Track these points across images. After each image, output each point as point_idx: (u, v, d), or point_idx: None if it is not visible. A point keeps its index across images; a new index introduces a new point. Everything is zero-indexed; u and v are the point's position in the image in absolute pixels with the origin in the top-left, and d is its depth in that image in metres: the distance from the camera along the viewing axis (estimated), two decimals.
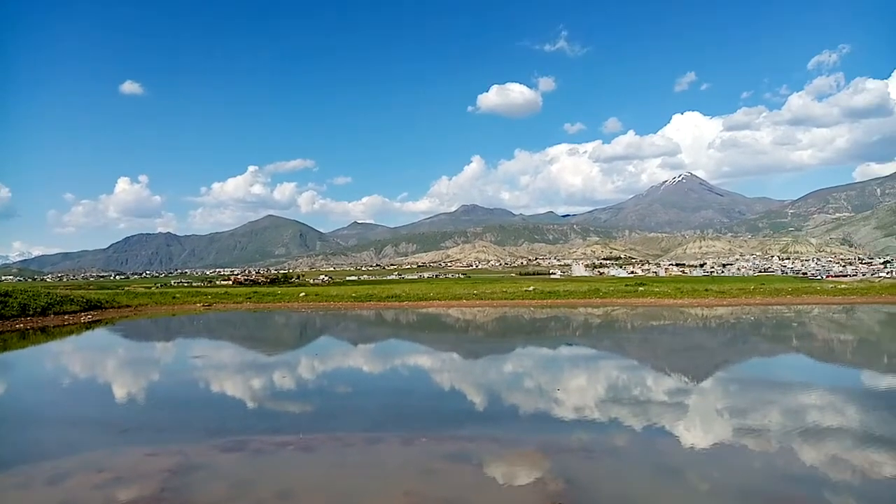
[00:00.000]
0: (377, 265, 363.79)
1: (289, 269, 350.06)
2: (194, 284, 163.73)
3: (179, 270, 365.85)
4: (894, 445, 19.41)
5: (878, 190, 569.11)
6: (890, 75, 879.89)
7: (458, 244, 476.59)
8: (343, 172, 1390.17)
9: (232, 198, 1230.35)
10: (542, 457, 18.28)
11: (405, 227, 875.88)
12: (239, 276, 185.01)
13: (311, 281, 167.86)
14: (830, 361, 38.92)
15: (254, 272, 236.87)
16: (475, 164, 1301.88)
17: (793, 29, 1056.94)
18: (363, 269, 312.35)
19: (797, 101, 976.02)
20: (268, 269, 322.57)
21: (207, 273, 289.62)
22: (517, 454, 18.69)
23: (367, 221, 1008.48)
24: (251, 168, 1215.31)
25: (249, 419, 23.71)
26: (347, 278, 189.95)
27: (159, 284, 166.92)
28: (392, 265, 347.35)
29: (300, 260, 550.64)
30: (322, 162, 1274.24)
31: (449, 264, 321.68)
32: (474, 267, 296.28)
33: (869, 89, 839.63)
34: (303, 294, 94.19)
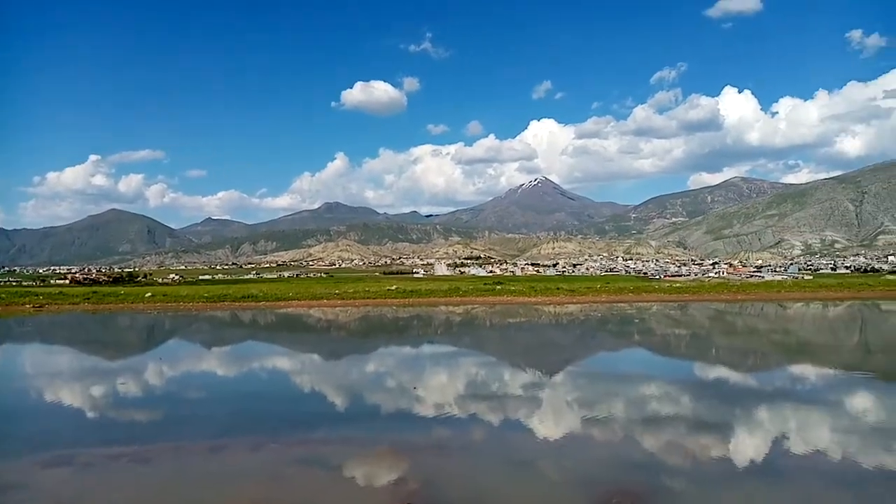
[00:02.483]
0: (233, 264, 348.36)
1: (135, 267, 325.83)
2: (24, 284, 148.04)
3: (7, 268, 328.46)
4: (721, 429, 21.22)
5: (709, 197, 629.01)
6: (720, 93, 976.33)
7: (321, 243, 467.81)
8: (196, 165, 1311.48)
9: (70, 189, 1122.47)
10: (395, 456, 18.02)
11: (264, 224, 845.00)
12: (77, 275, 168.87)
13: (160, 280, 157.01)
14: (667, 354, 42.07)
15: (95, 270, 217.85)
16: (339, 162, 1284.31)
17: (638, 45, 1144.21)
18: (218, 267, 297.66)
19: (641, 113, 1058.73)
20: (111, 268, 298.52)
21: (40, 271, 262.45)
22: (371, 455, 18.28)
23: (223, 217, 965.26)
24: (93, 157, 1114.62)
25: (80, 431, 21.47)
26: (200, 277, 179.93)
27: None
28: (250, 264, 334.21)
29: (148, 258, 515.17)
30: (173, 153, 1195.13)
31: (311, 263, 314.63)
32: (337, 266, 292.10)
33: (702, 105, 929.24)
34: (149, 294, 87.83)
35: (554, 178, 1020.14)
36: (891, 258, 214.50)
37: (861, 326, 59.34)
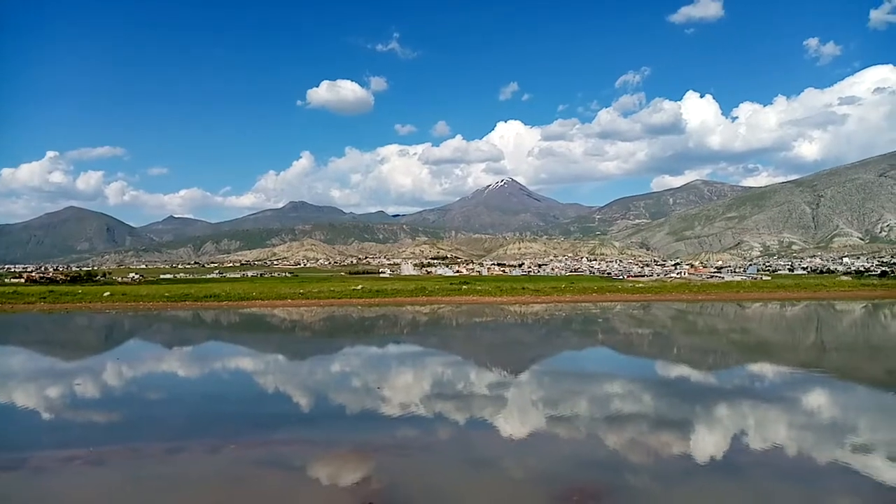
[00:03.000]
0: (196, 263, 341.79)
1: (94, 266, 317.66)
2: None
3: None
4: (681, 427, 21.55)
5: (671, 200, 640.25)
6: (682, 98, 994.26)
7: (286, 242, 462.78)
8: (158, 162, 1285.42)
9: (26, 186, 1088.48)
10: (357, 457, 17.88)
11: (228, 222, 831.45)
12: (33, 274, 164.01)
13: (120, 279, 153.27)
14: (630, 353, 42.59)
15: (51, 269, 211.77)
16: (305, 160, 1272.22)
17: (603, 49, 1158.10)
18: (180, 267, 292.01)
19: (606, 116, 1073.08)
20: (68, 266, 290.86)
21: None
22: (332, 456, 18.10)
23: (186, 216, 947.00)
24: (50, 154, 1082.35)
25: (33, 433, 20.84)
26: (161, 277, 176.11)
27: None
28: (213, 263, 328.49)
29: (107, 256, 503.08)
30: (134, 150, 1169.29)
31: (275, 263, 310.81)
32: (302, 265, 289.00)
33: (665, 109, 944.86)
34: (108, 293, 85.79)
35: (520, 179, 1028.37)
36: (845, 260, 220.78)
37: (817, 326, 60.94)
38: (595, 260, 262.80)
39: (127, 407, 25.07)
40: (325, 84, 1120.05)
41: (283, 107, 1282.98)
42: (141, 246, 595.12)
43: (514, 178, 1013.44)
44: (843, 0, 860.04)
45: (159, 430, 20.68)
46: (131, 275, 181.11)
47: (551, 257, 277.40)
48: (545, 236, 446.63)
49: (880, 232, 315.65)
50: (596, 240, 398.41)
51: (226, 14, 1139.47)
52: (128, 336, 55.59)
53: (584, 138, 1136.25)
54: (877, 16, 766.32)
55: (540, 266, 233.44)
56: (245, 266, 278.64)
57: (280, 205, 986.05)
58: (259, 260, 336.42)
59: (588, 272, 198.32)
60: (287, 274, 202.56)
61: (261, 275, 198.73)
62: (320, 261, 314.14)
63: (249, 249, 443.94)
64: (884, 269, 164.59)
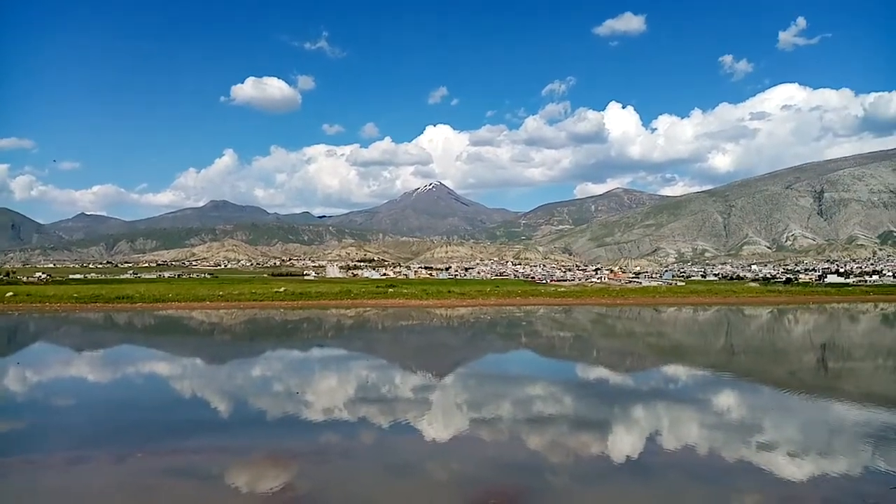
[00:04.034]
0: (109, 263, 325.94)
1: None
2: None
3: None
4: (599, 428, 22.08)
5: (593, 207, 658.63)
6: (605, 108, 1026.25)
7: (206, 242, 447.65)
8: (69, 156, 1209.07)
9: None
10: (275, 464, 17.36)
11: (144, 221, 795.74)
12: None
13: (25, 279, 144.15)
14: (552, 356, 43.42)
15: None
16: (227, 158, 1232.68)
17: (530, 57, 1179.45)
18: (91, 266, 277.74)
19: (532, 124, 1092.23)
20: None
21: None
22: (248, 463, 17.53)
23: (98, 213, 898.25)
24: None
25: None
26: (71, 276, 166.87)
27: None
28: (127, 263, 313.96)
29: (11, 254, 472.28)
30: (43, 142, 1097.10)
31: (194, 263, 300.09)
32: (223, 266, 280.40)
33: (589, 119, 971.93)
34: (11, 294, 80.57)
35: (449, 183, 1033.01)
36: (753, 267, 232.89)
37: (727, 330, 63.96)
38: (520, 264, 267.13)
39: (27, 415, 23.53)
40: (250, 81, 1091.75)
41: (206, 102, 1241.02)
42: (49, 244, 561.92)
43: (442, 181, 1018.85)
44: (755, 20, 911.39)
45: (61, 439, 19.46)
46: (38, 274, 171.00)
47: (478, 261, 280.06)
48: (472, 240, 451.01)
49: (785, 241, 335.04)
50: (521, 244, 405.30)
51: (147, 5, 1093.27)
52: (32, 339, 52.36)
53: (512, 144, 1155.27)
54: (785, 37, 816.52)
55: (467, 270, 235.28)
56: (162, 266, 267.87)
57: (200, 203, 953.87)
58: (177, 260, 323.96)
59: (513, 276, 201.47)
60: (207, 275, 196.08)
61: (178, 276, 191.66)
62: (242, 262, 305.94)
63: (167, 249, 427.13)
64: (788, 276, 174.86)
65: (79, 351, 43.32)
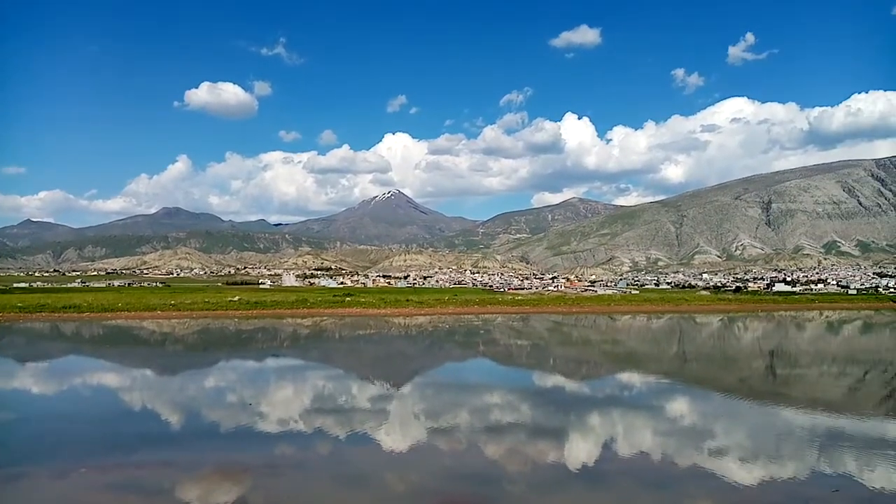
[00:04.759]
0: (56, 271, 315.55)
1: None
2: None
3: None
4: (555, 436, 22.26)
5: (550, 216, 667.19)
6: (562, 119, 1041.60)
7: (158, 250, 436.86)
8: (14, 160, 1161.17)
9: None
10: (225, 478, 16.98)
11: (93, 228, 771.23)
12: None
13: None
14: (509, 364, 43.66)
15: None
16: (181, 164, 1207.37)
17: (488, 67, 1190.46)
18: (37, 274, 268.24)
19: (490, 133, 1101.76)
20: None
21: None
22: (197, 477, 17.09)
23: (45, 220, 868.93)
24: None
25: None
26: (15, 285, 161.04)
27: None
28: (75, 271, 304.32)
29: None
30: None
31: (146, 272, 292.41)
32: (175, 275, 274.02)
33: (546, 129, 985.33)
34: None
35: (407, 191, 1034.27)
36: (705, 276, 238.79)
37: (679, 338, 65.34)
38: (478, 273, 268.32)
39: None
40: (205, 85, 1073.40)
41: (159, 107, 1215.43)
42: None
43: (401, 190, 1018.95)
44: (707, 36, 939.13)
45: None
46: None
47: (436, 269, 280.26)
48: (431, 249, 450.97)
49: (735, 250, 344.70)
50: (479, 253, 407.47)
51: (97, 6, 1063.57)
52: None
53: (470, 154, 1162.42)
54: (734, 52, 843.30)
55: (425, 278, 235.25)
56: (111, 275, 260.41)
57: (152, 210, 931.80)
58: (127, 269, 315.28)
59: (471, 284, 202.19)
60: (158, 284, 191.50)
61: (129, 284, 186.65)
62: (195, 270, 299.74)
63: (117, 257, 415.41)
64: (738, 284, 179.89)
65: (22, 362, 41.70)
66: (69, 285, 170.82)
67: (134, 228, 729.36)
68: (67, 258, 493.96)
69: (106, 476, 16.75)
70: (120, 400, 29.13)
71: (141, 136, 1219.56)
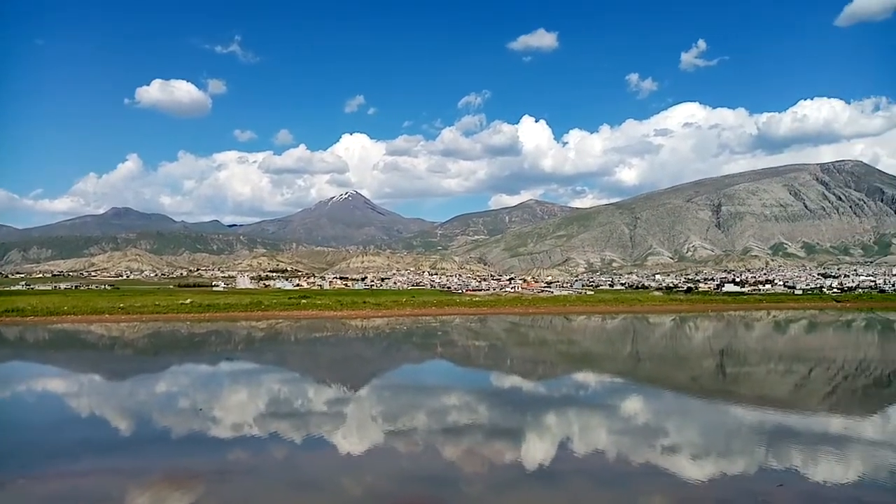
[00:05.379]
0: None
1: None
2: None
3: None
4: (512, 436, 22.37)
5: (507, 217, 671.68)
6: (519, 121, 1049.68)
7: (106, 251, 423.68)
8: None
9: None
10: (172, 485, 16.52)
11: (38, 228, 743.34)
12: None
13: None
14: (467, 365, 43.76)
15: None
16: (131, 163, 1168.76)
17: (447, 69, 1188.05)
18: None
19: (449, 135, 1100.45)
20: None
21: None
22: (142, 485, 16.57)
23: None
24: None
25: None
26: None
27: None
28: (19, 273, 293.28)
29: None
30: None
31: (94, 274, 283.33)
32: (125, 277, 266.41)
33: (504, 132, 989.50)
34: None
35: (365, 192, 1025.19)
36: (657, 276, 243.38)
37: (633, 338, 66.53)
38: (436, 274, 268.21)
39: None
40: (157, 83, 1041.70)
41: (109, 104, 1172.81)
42: None
43: (358, 191, 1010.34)
44: (660, 42, 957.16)
45: None
46: None
47: (394, 271, 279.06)
48: (389, 250, 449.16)
49: (687, 252, 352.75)
50: (437, 254, 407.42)
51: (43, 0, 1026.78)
52: None
53: (428, 155, 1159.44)
54: (686, 58, 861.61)
55: (383, 280, 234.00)
56: (58, 277, 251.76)
57: (101, 211, 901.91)
58: (74, 271, 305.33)
59: (429, 286, 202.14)
60: (107, 287, 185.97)
61: (76, 287, 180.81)
62: (146, 272, 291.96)
63: (64, 259, 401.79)
64: (689, 285, 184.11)
65: None
66: (12, 288, 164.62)
67: (82, 229, 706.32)
68: (11, 260, 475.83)
69: (45, 486, 16.15)
70: (65, 406, 28.19)
71: (89, 133, 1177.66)
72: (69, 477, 16.94)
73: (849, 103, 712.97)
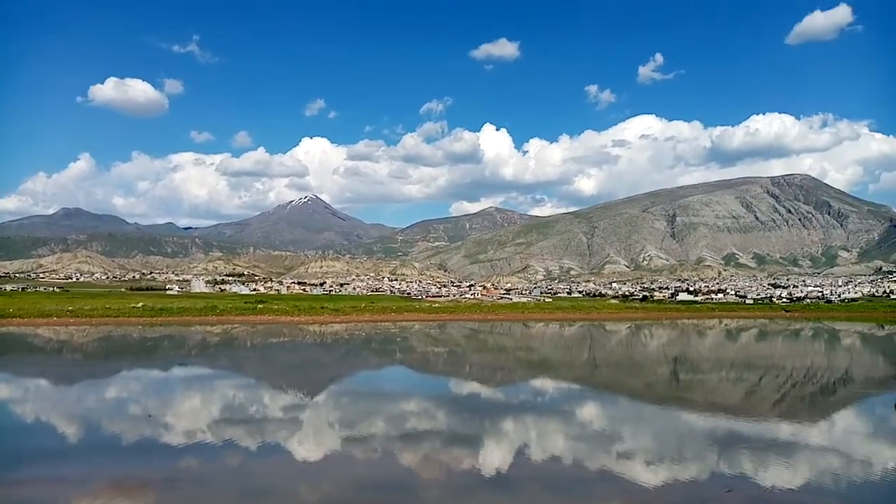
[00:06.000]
0: None
1: None
2: None
3: None
4: (471, 442, 22.38)
5: (468, 224, 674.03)
6: (480, 129, 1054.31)
7: (56, 252, 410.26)
8: None
9: None
10: (117, 494, 16.00)
11: None
12: None
13: None
14: (426, 372, 43.70)
15: None
16: (83, 163, 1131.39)
17: (409, 74, 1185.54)
18: None
19: (410, 141, 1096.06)
20: None
21: None
22: (85, 494, 16.00)
23: None
24: None
25: None
26: None
27: None
28: None
29: None
30: None
31: (42, 276, 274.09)
32: (75, 279, 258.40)
33: (465, 139, 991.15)
34: None
35: (325, 196, 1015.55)
36: (614, 285, 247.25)
37: (590, 345, 67.36)
38: (396, 280, 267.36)
39: None
40: (111, 81, 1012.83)
41: (60, 102, 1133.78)
42: None
43: (318, 195, 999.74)
44: (619, 54, 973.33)
45: None
46: None
47: (354, 277, 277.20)
48: (348, 255, 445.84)
49: (643, 261, 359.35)
50: (398, 260, 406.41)
51: None
52: None
53: (390, 160, 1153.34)
54: (644, 71, 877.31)
55: (342, 285, 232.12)
56: (3, 279, 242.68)
57: (50, 211, 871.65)
58: (21, 272, 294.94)
59: (389, 292, 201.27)
60: (56, 289, 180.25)
61: (22, 289, 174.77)
62: (97, 275, 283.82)
63: (10, 260, 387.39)
64: (645, 293, 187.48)
65: None
66: None
67: (30, 229, 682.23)
68: None
69: None
70: (8, 413, 27.12)
71: (39, 131, 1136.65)
72: (9, 486, 16.28)
73: (798, 119, 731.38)
